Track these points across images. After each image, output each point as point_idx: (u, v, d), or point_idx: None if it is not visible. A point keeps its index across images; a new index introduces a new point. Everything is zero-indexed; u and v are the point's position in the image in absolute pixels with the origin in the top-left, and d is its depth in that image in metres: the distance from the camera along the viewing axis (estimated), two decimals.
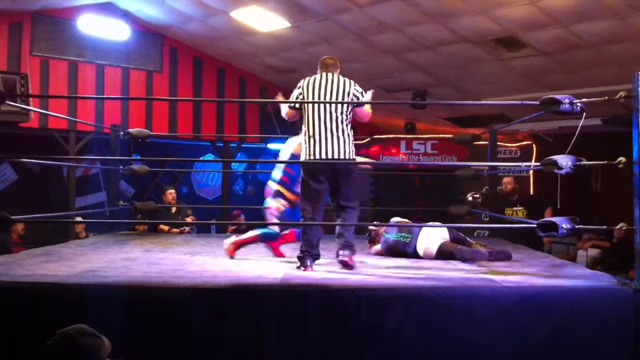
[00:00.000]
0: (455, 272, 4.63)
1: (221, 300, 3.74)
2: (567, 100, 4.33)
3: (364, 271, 4.80)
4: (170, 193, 8.60)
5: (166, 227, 8.24)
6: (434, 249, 5.46)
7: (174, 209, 8.27)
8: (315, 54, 10.57)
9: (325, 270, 4.76)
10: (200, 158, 13.08)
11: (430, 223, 5.82)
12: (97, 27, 9.93)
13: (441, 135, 11.57)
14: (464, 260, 5.18)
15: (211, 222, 12.00)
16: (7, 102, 7.71)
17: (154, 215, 7.96)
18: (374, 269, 4.93)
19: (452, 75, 10.46)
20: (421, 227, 5.75)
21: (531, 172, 11.16)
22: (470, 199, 7.27)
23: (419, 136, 12.14)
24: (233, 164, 13.85)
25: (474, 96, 10.74)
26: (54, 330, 2.70)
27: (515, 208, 7.32)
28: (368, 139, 12.08)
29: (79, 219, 9.47)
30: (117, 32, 10.06)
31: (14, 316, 3.60)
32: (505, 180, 7.73)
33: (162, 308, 3.70)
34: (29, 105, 9.00)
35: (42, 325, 3.25)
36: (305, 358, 3.67)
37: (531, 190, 11.18)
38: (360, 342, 3.68)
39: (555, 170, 4.28)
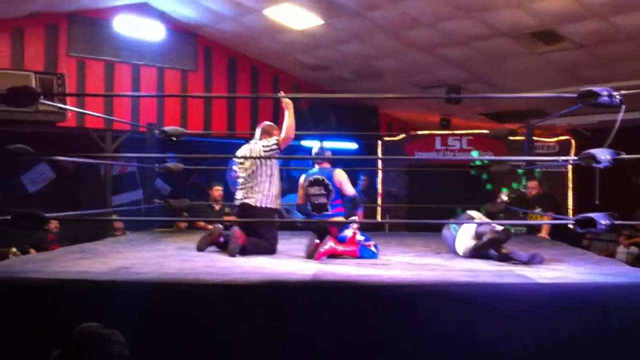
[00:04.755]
0: (490, 270, 4.56)
1: (251, 296, 3.73)
2: (605, 93, 4.22)
3: (396, 268, 4.76)
4: (217, 189, 8.35)
5: (204, 224, 8.22)
6: (469, 246, 5.40)
7: (217, 206, 8.23)
8: (347, 52, 10.57)
9: (357, 268, 4.74)
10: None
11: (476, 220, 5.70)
12: (132, 28, 10.04)
13: (476, 131, 11.42)
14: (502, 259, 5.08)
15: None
16: (44, 101, 7.88)
17: (195, 213, 7.94)
18: (406, 266, 4.88)
19: (487, 70, 10.34)
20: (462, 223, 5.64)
21: (570, 167, 10.94)
22: (505, 198, 7.15)
23: (454, 132, 11.99)
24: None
25: (509, 91, 10.60)
26: None
27: (536, 211, 7.15)
28: (403, 136, 12.01)
29: (115, 216, 9.58)
30: (152, 32, 10.15)
31: (48, 313, 3.64)
32: (530, 184, 7.56)
33: (194, 304, 3.71)
34: (66, 104, 9.11)
35: (74, 322, 3.27)
36: (337, 354, 3.64)
37: (570, 186, 10.97)
38: (389, 339, 3.64)
39: (594, 164, 4.18)
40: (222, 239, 5.75)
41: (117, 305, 3.62)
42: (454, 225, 5.64)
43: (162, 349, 3.56)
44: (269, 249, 5.60)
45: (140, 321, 3.55)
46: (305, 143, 11.70)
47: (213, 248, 5.78)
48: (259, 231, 5.64)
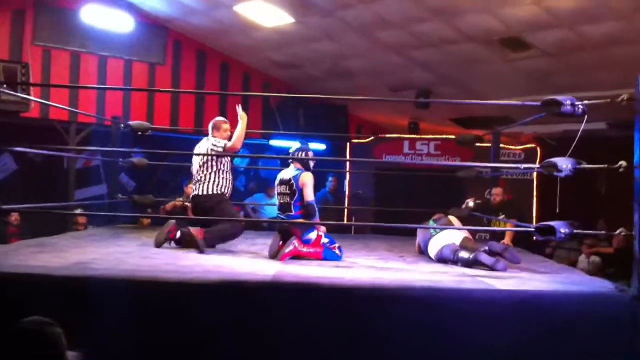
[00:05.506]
0: (452, 275, 4.56)
1: (210, 295, 3.69)
2: (568, 102, 4.27)
3: (358, 270, 4.75)
4: (191, 187, 8.43)
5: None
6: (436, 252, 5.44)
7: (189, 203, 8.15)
8: (318, 51, 10.55)
9: (319, 269, 4.72)
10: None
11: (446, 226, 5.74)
12: (100, 18, 9.85)
13: (444, 136, 11.49)
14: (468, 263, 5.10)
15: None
16: (7, 91, 7.74)
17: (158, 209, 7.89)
18: (368, 269, 4.88)
19: (457, 75, 10.40)
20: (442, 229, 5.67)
21: (535, 175, 11.06)
22: (471, 204, 7.17)
23: (423, 137, 12.07)
24: (235, 159, 13.78)
25: (478, 97, 10.67)
26: None
27: (499, 218, 7.20)
28: (372, 138, 12.03)
29: (79, 211, 9.43)
30: (120, 23, 9.98)
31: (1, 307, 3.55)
32: (495, 191, 7.62)
33: (150, 302, 3.66)
34: (30, 95, 8.94)
35: (27, 316, 3.20)
36: (294, 355, 3.62)
37: (534, 194, 11.09)
38: (351, 341, 3.62)
39: (555, 173, 4.21)
40: (178, 235, 5.82)
41: (73, 300, 3.57)
42: (432, 222, 5.74)
43: (112, 347, 3.49)
44: (231, 233, 5.75)
45: (95, 317, 3.50)
46: (274, 143, 11.66)
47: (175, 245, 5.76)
48: (213, 219, 5.78)
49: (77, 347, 2.67)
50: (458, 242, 5.41)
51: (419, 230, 5.96)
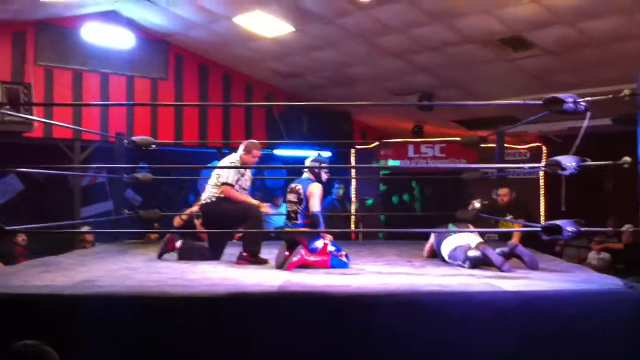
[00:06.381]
0: (459, 278, 4.53)
1: (218, 309, 3.66)
2: (570, 100, 4.23)
3: (366, 277, 4.72)
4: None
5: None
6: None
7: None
8: (319, 59, 10.55)
9: (326, 277, 4.69)
10: (208, 165, 13.01)
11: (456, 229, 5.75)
12: (101, 36, 9.91)
13: (449, 139, 11.45)
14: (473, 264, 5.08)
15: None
16: (9, 112, 7.77)
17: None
18: (375, 275, 4.84)
19: (459, 77, 10.38)
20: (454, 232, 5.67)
21: (541, 174, 11.00)
22: (478, 205, 7.13)
23: (427, 140, 12.03)
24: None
25: (481, 98, 10.66)
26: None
27: (507, 218, 7.16)
28: (377, 144, 12.00)
29: (85, 228, 9.44)
30: (121, 40, 10.03)
31: (6, 328, 3.53)
32: (502, 192, 7.57)
33: (158, 318, 3.63)
34: (32, 115, 8.97)
35: (34, 337, 3.19)
36: None
37: (542, 193, 11.03)
38: (359, 350, 3.59)
39: (559, 172, 4.18)
40: (178, 245, 5.95)
41: (79, 319, 3.55)
42: (452, 226, 5.73)
43: None
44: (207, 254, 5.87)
45: (102, 336, 3.48)
46: (278, 152, 11.66)
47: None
48: (218, 231, 5.90)
49: None
50: (473, 245, 5.39)
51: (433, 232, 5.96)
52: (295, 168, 5.92)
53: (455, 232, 5.64)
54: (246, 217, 5.70)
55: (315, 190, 5.52)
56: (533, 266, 4.99)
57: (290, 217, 5.63)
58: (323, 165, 5.74)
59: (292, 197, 5.65)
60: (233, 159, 6.02)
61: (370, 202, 11.41)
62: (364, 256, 6.12)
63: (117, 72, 10.55)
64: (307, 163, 5.78)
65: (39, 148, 9.62)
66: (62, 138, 9.95)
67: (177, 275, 4.74)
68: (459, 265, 5.22)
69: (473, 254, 5.13)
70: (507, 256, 5.09)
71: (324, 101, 12.13)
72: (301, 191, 5.55)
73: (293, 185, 5.68)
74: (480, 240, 5.56)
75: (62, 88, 10.01)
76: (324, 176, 5.72)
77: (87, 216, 10.71)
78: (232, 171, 5.87)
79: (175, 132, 11.19)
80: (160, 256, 5.90)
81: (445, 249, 5.53)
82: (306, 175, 5.72)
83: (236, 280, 4.57)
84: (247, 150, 6.01)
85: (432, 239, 5.94)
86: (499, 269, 4.83)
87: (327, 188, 5.82)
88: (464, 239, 5.49)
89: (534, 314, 3.63)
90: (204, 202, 6.01)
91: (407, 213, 11.13)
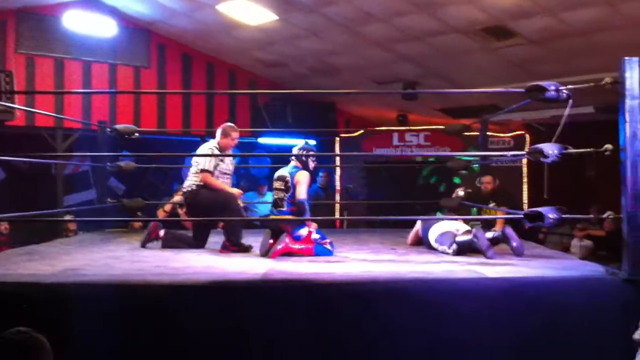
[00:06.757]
0: (442, 265, 4.56)
1: (201, 296, 3.66)
2: (552, 87, 4.26)
3: (349, 264, 4.73)
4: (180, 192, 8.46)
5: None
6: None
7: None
8: (303, 48, 10.52)
9: (310, 264, 4.70)
10: (191, 153, 12.95)
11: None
12: (83, 24, 9.83)
13: (433, 127, 11.48)
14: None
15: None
16: None
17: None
18: (359, 262, 4.86)
19: (442, 66, 10.39)
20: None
21: (524, 162, 11.07)
22: (461, 193, 7.16)
23: (411, 128, 12.05)
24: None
25: (464, 87, 10.68)
26: None
27: (490, 206, 7.20)
28: (361, 132, 12.01)
29: (68, 217, 9.38)
30: (103, 28, 9.95)
31: None
32: (485, 179, 7.61)
33: (141, 306, 3.63)
34: (14, 103, 8.89)
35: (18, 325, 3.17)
36: (287, 353, 3.60)
37: (524, 181, 11.10)
38: (343, 337, 3.61)
39: (542, 159, 4.21)
40: (161, 234, 5.96)
41: (62, 307, 3.53)
42: (440, 213, 5.78)
43: (104, 353, 3.46)
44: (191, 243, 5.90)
45: (84, 324, 3.47)
46: (262, 140, 11.64)
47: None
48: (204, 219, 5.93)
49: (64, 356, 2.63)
50: (461, 231, 5.43)
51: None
52: (282, 156, 5.86)
53: (442, 219, 5.68)
54: (224, 207, 5.67)
55: (303, 178, 5.52)
56: (518, 252, 5.03)
57: (276, 204, 5.63)
58: (310, 152, 5.75)
59: (278, 185, 5.64)
60: (211, 145, 5.96)
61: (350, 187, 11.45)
62: (348, 244, 6.15)
63: (99, 60, 10.47)
64: (295, 151, 5.77)
65: (21, 137, 9.54)
66: (45, 126, 9.88)
67: (161, 264, 4.73)
68: (443, 252, 5.26)
69: (461, 238, 5.19)
70: (493, 241, 5.12)
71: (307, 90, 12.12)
72: (288, 178, 5.55)
73: (280, 173, 5.68)
74: (467, 227, 5.61)
75: (43, 76, 9.93)
76: (311, 164, 5.72)
77: (70, 205, 10.65)
78: (209, 157, 5.86)
79: (158, 121, 11.14)
80: (143, 245, 5.90)
81: (432, 235, 5.56)
82: (293, 163, 5.70)
83: (220, 268, 4.57)
84: (225, 133, 5.97)
85: (418, 225, 5.97)
86: (484, 254, 4.86)
87: (312, 176, 5.81)
88: (452, 225, 5.54)
89: (517, 300, 3.67)
90: (185, 190, 5.99)
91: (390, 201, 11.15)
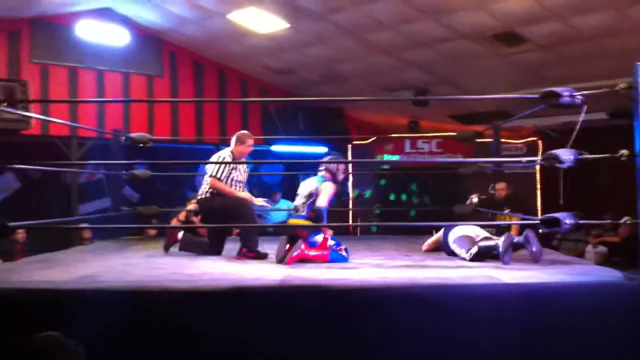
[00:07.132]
0: (459, 271, 4.55)
1: (218, 303, 3.68)
2: (566, 93, 4.26)
3: (365, 271, 4.74)
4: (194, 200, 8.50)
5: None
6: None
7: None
8: (312, 55, 10.55)
9: (327, 271, 4.71)
10: (206, 161, 12.96)
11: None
12: (96, 33, 9.91)
13: (444, 134, 11.48)
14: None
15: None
16: (6, 109, 7.74)
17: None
18: (375, 269, 4.87)
19: (452, 72, 10.41)
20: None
21: (538, 168, 11.05)
22: (475, 200, 7.16)
23: (423, 135, 12.07)
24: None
25: (474, 93, 10.67)
26: None
27: (504, 212, 7.19)
28: (373, 139, 12.03)
29: (84, 225, 9.43)
30: (116, 37, 10.03)
31: (8, 324, 3.54)
32: (499, 186, 7.60)
33: (159, 312, 3.65)
34: (29, 112, 8.96)
35: (35, 332, 3.20)
36: (306, 358, 3.61)
37: (538, 187, 11.08)
38: (360, 342, 3.61)
39: (557, 165, 4.20)
40: (179, 236, 6.06)
41: (81, 314, 3.55)
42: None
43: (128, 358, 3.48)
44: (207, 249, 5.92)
45: (104, 330, 3.48)
46: (275, 148, 11.66)
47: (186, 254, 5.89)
48: (218, 225, 5.96)
49: None
50: (481, 236, 5.43)
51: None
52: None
53: (464, 224, 5.66)
54: (237, 212, 5.69)
55: (327, 188, 5.55)
56: (536, 257, 4.98)
57: (297, 208, 5.67)
58: (340, 167, 5.73)
59: (302, 190, 5.68)
60: (224, 153, 5.96)
61: (368, 193, 11.45)
62: (362, 250, 6.15)
63: (112, 69, 10.54)
64: (324, 160, 5.78)
65: (35, 145, 9.61)
66: (59, 135, 9.95)
67: (177, 270, 4.74)
68: (460, 255, 5.26)
69: (483, 244, 5.19)
70: (515, 247, 5.09)
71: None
72: (313, 189, 5.59)
73: (308, 182, 5.71)
74: (486, 233, 5.59)
75: (57, 85, 10.01)
76: (340, 176, 5.73)
77: (85, 213, 10.70)
78: (221, 165, 5.87)
79: (172, 130, 11.19)
80: (166, 249, 6.02)
81: (452, 236, 5.55)
82: (322, 173, 5.72)
83: (236, 274, 4.58)
84: (241, 141, 5.96)
85: (440, 233, 5.94)
86: (501, 259, 4.85)
87: (342, 188, 5.80)
88: (472, 230, 5.53)
89: (534, 305, 3.65)
90: (199, 197, 6.02)
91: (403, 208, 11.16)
